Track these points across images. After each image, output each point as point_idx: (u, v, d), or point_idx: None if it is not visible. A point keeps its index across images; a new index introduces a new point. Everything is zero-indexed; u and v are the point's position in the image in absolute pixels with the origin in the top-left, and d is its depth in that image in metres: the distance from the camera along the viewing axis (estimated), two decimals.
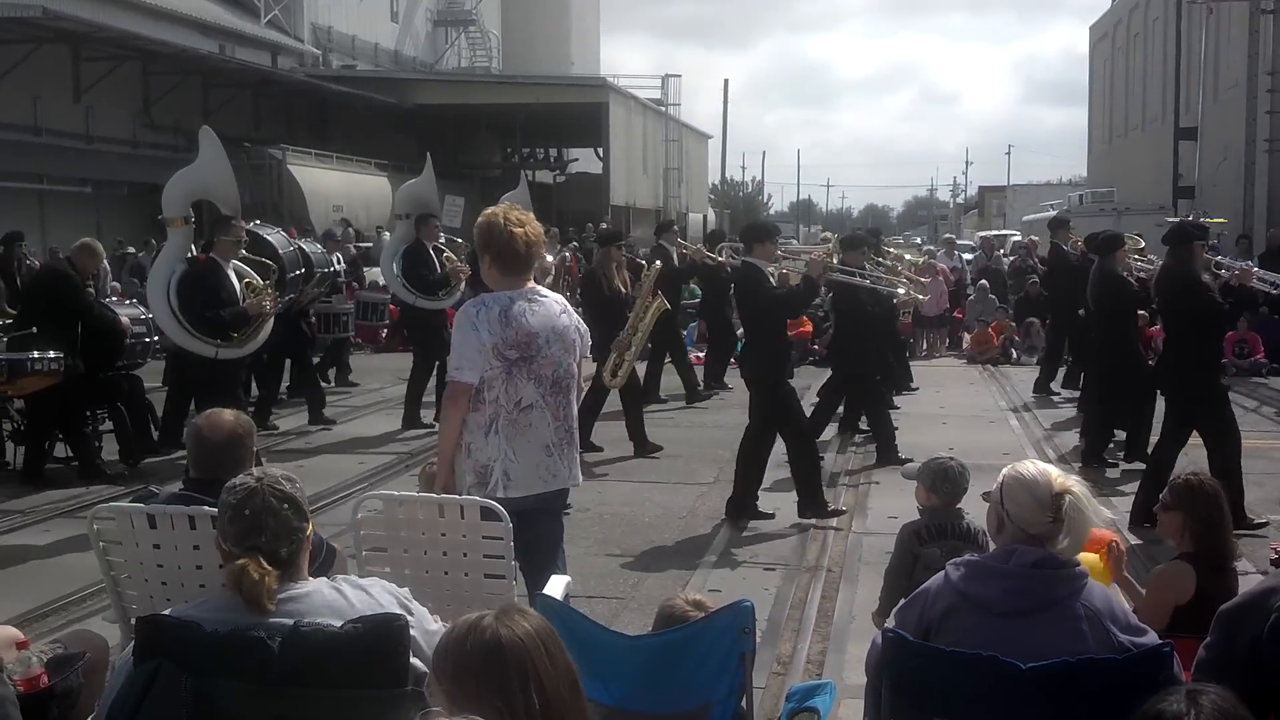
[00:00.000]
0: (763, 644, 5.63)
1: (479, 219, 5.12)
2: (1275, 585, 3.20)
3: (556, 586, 4.43)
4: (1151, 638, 3.25)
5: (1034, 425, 12.77)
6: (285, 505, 3.07)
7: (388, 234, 25.46)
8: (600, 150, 41.53)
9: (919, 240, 30.46)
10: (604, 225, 12.37)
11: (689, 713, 3.34)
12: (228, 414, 4.39)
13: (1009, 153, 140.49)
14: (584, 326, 5.27)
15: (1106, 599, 3.30)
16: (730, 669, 3.33)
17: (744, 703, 3.37)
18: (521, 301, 5.00)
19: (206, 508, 3.98)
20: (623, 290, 11.49)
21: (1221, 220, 22.74)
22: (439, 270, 12.74)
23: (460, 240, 14.24)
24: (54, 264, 10.85)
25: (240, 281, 9.94)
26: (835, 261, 10.28)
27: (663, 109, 47.92)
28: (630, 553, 7.97)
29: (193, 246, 10.04)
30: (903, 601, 3.57)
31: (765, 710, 5.08)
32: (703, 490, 9.76)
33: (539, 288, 5.15)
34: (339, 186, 32.69)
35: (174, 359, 11.27)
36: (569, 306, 5.23)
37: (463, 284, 12.87)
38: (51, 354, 9.66)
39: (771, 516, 8.66)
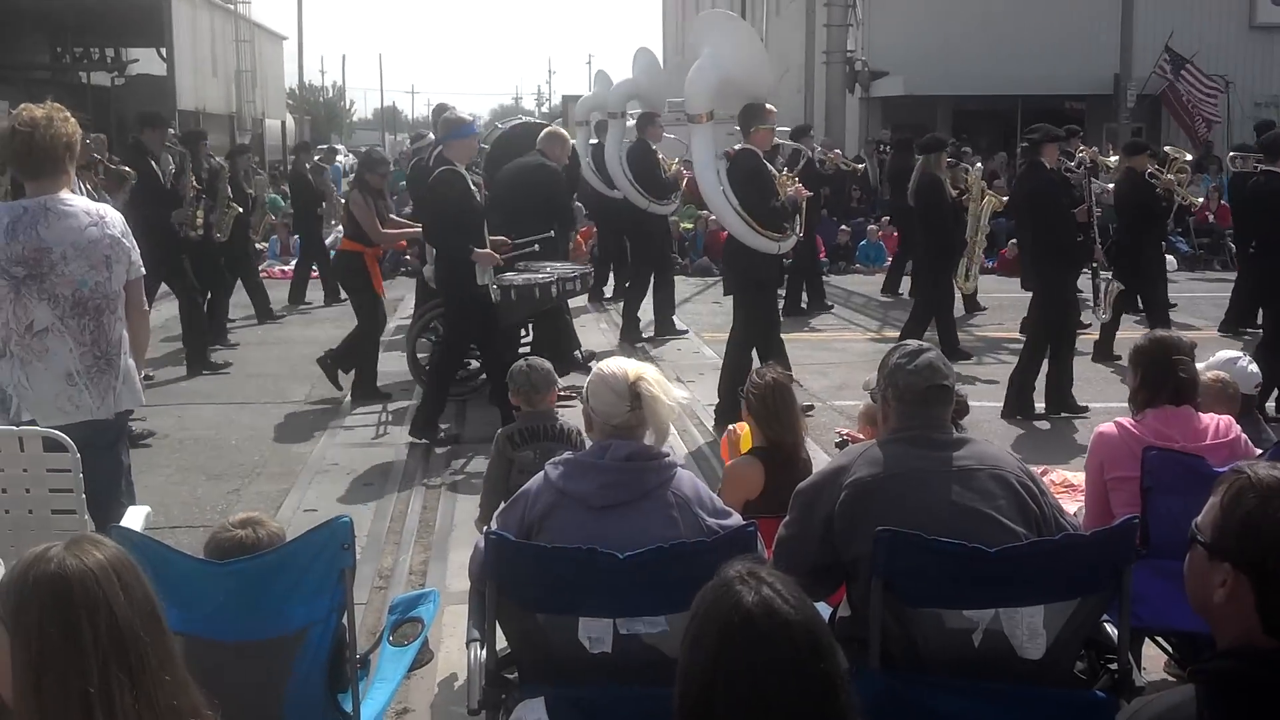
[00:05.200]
0: (363, 559, 5.54)
1: None
2: (845, 464, 3.44)
3: (135, 518, 4.14)
4: (736, 519, 3.44)
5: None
6: None
7: None
8: (163, 51, 38.72)
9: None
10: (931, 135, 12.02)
11: (287, 638, 3.20)
12: None
13: (589, 62, 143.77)
14: (129, 242, 4.62)
15: (695, 486, 3.47)
16: (329, 588, 3.21)
17: (345, 620, 3.27)
18: (38, 211, 4.44)
19: None
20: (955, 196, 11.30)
21: (786, 129, 24.24)
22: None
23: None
24: (531, 159, 10.00)
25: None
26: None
27: (231, 6, 45.27)
28: (218, 478, 7.58)
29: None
30: (504, 505, 3.62)
31: (368, 625, 5.02)
32: (294, 408, 9.42)
33: (66, 196, 4.52)
34: None
35: None
36: (106, 217, 4.56)
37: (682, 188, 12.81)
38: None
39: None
